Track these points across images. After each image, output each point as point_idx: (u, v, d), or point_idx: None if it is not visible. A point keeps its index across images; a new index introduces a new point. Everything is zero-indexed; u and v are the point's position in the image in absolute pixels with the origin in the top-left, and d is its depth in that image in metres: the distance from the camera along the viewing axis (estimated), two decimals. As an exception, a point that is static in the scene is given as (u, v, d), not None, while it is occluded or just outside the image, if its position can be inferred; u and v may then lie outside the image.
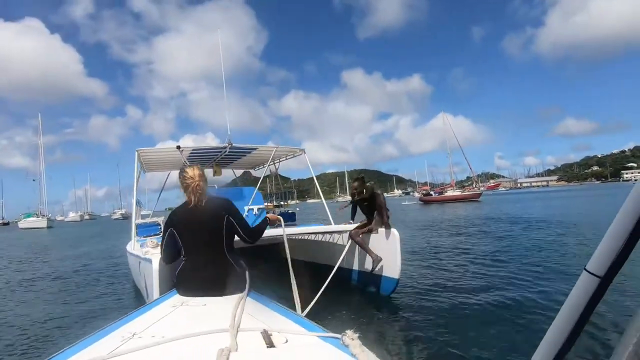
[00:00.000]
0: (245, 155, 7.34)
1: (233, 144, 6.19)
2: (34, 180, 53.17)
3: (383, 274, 4.52)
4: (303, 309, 3.12)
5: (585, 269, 0.61)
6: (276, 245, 6.52)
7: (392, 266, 4.37)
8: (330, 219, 5.82)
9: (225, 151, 6.50)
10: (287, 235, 4.71)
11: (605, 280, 0.58)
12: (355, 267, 4.92)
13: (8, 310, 5.08)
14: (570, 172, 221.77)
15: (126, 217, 58.27)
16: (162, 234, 2.26)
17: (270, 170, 8.05)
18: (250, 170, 9.56)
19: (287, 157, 7.36)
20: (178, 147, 5.93)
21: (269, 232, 4.94)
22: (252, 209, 6.19)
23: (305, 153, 6.67)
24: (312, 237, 5.86)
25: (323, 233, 5.39)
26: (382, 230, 4.63)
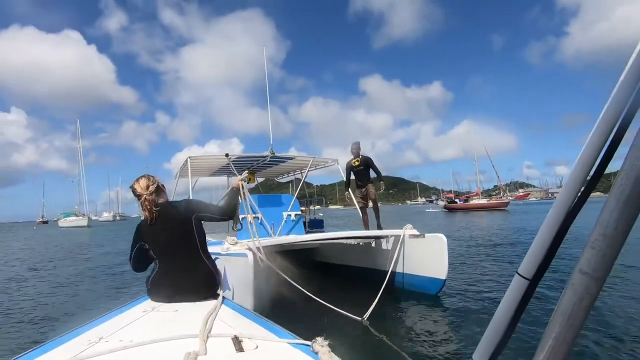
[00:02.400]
0: (278, 164, 7.80)
1: (275, 153, 6.79)
2: (73, 181, 57.16)
3: (431, 275, 4.77)
4: None
5: (517, 272, 0.65)
6: (309, 250, 6.94)
7: (439, 268, 4.67)
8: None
9: (266, 159, 7.08)
10: (334, 239, 5.29)
11: (533, 282, 0.63)
12: (400, 269, 5.19)
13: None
14: (607, 183, 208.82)
15: (155, 219, 60.49)
16: (131, 245, 2.15)
17: (295, 176, 8.53)
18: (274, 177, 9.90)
19: (318, 167, 7.78)
20: (226, 155, 6.66)
21: (302, 237, 5.46)
22: (290, 215, 6.56)
23: (338, 163, 7.16)
24: (353, 241, 6.12)
25: (369, 238, 5.55)
26: (429, 235, 4.93)
